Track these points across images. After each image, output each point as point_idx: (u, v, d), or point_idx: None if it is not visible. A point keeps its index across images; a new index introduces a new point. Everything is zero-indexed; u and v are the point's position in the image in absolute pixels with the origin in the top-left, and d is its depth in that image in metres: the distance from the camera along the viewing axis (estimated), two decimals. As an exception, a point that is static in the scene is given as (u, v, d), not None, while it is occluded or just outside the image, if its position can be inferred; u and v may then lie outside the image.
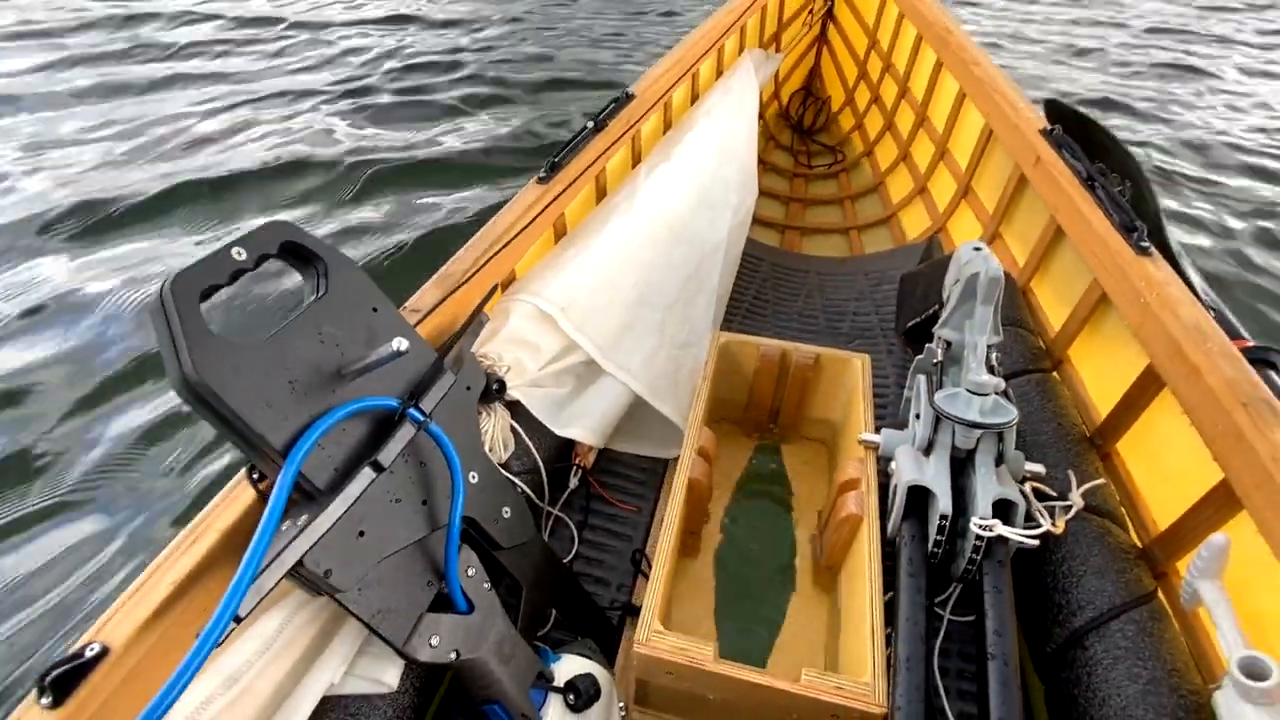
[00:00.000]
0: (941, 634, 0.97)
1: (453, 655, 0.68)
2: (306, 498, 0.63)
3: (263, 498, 0.70)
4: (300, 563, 0.57)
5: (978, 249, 1.00)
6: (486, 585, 0.73)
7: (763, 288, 1.86)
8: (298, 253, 0.69)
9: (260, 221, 0.66)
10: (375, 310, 0.73)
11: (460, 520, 0.69)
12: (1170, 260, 1.11)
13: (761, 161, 2.43)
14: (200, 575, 0.68)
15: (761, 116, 2.54)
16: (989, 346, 0.92)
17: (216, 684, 0.68)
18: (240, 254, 0.62)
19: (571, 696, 0.78)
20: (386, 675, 0.81)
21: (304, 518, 0.59)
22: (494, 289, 1.14)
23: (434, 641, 0.67)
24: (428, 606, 0.68)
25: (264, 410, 0.59)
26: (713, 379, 1.20)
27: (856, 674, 0.79)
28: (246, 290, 2.25)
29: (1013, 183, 1.59)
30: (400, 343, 0.63)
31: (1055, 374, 1.28)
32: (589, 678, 0.80)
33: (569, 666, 0.83)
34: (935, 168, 2.06)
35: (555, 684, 0.79)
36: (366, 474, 0.63)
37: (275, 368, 0.62)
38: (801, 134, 2.72)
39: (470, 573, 0.72)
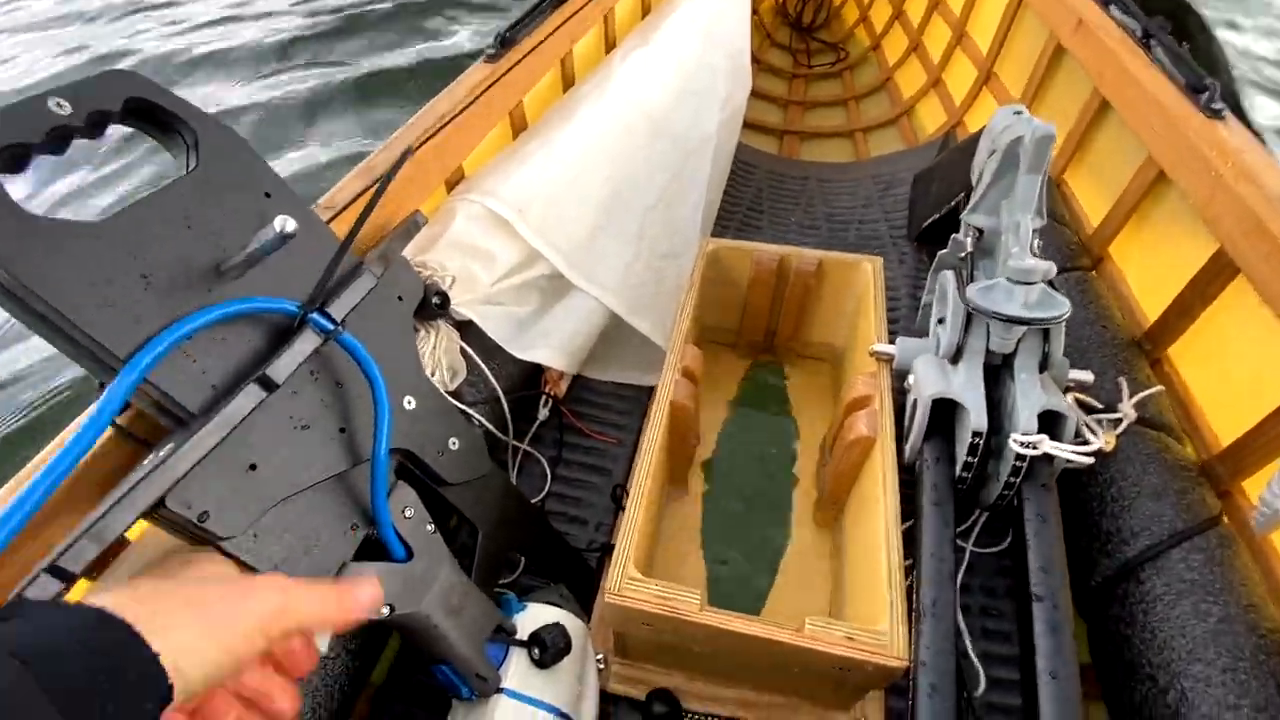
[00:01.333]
0: (963, 570, 0.85)
1: (385, 610, 0.55)
2: (180, 425, 0.48)
3: (125, 434, 0.55)
4: (161, 502, 0.42)
5: (1018, 112, 0.82)
6: (430, 528, 0.59)
7: (758, 197, 1.66)
8: (151, 115, 0.50)
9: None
10: (269, 196, 0.55)
11: (387, 451, 0.54)
12: (1247, 126, 0.92)
13: (756, 61, 2.17)
14: (44, 526, 0.53)
15: (756, 11, 2.27)
16: (1034, 231, 0.74)
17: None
18: (62, 107, 0.44)
19: (536, 651, 0.65)
20: (312, 638, 0.68)
21: (168, 447, 0.44)
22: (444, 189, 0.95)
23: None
24: (353, 555, 0.54)
25: (103, 311, 0.43)
26: (700, 288, 1.03)
27: (869, 621, 0.66)
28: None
29: (1045, 57, 1.37)
30: (285, 222, 0.46)
31: (1094, 273, 1.11)
32: (557, 629, 0.67)
33: (536, 616, 0.70)
34: (951, 54, 1.82)
35: (518, 637, 0.66)
36: (253, 392, 0.48)
37: (120, 258, 0.45)
38: (800, 31, 2.44)
39: (408, 513, 0.58)
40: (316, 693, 0.68)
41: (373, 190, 0.80)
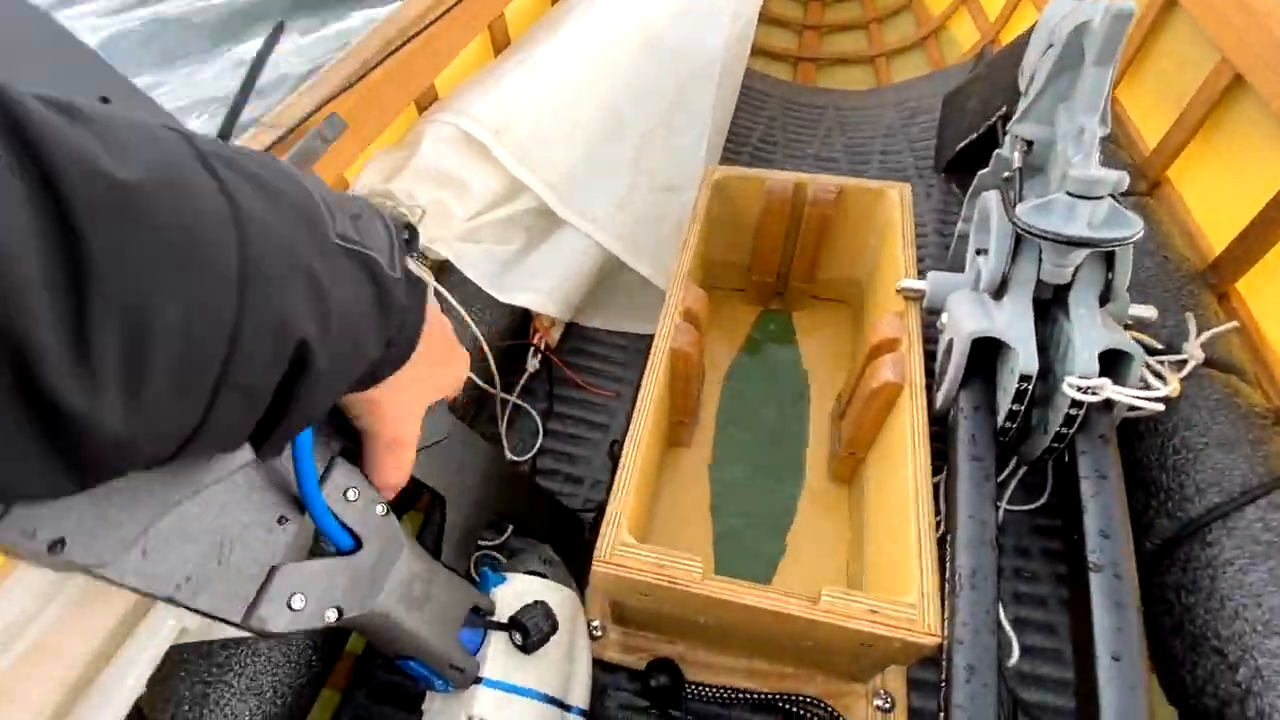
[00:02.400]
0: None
1: (332, 615, 0.43)
2: None
3: None
4: None
5: (1081, -2, 0.68)
6: (380, 509, 0.47)
7: (770, 128, 1.52)
8: None
9: None
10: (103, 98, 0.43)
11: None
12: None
13: (768, -19, 1.98)
14: None
15: (767, -75, 2.06)
16: (1100, 138, 0.62)
17: (-20, 646, 0.47)
18: None
19: (518, 636, 0.57)
20: (267, 613, 0.61)
21: None
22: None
23: (296, 602, 0.41)
24: (287, 553, 0.42)
25: None
26: (704, 221, 0.92)
27: (895, 591, 0.57)
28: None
29: None
30: None
31: (1151, 199, 0.98)
32: (539, 609, 0.58)
33: (518, 591, 0.62)
34: None
35: (496, 619, 0.59)
36: None
37: None
38: (816, -52, 2.23)
39: (351, 495, 0.46)
40: (278, 668, 0.61)
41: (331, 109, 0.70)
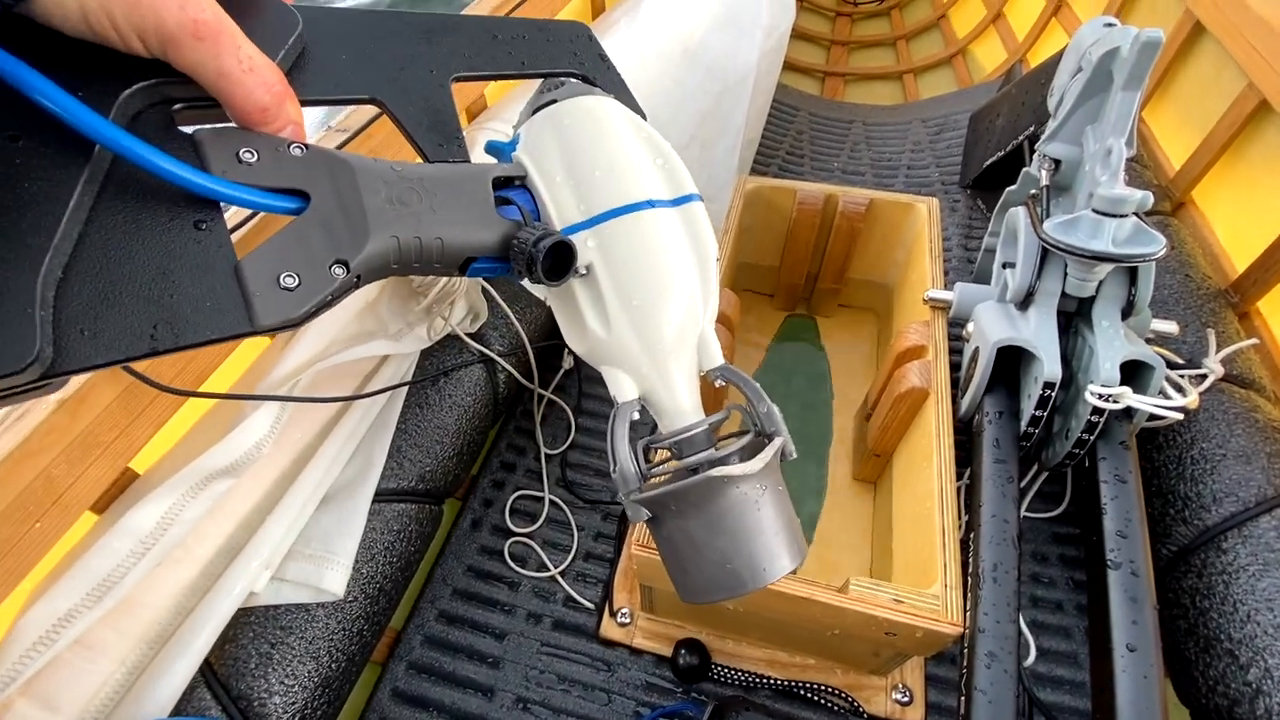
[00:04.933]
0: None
1: (339, 271, 0.31)
2: None
3: None
4: None
5: (1109, 24, 0.71)
6: (296, 150, 0.31)
7: (799, 141, 1.56)
8: None
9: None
10: None
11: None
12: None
13: (798, -2, 2.02)
14: None
15: (798, -59, 2.10)
16: (1125, 159, 0.65)
17: (79, 593, 0.52)
18: None
19: (541, 263, 0.34)
20: (327, 580, 0.66)
21: None
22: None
23: (287, 280, 0.30)
24: (232, 251, 0.31)
25: None
26: (737, 232, 0.95)
27: (918, 584, 0.60)
28: None
29: None
30: None
31: (1175, 219, 1.01)
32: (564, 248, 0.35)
33: (537, 132, 0.39)
34: None
35: (518, 179, 0.37)
36: None
37: None
38: (846, -35, 2.27)
39: (247, 156, 0.30)
40: (333, 635, 0.65)
41: None
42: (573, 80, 0.41)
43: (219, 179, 0.29)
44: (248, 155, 0.31)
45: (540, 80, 0.42)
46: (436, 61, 0.38)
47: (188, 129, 0.30)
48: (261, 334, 0.30)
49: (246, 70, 0.27)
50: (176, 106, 0.30)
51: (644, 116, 0.40)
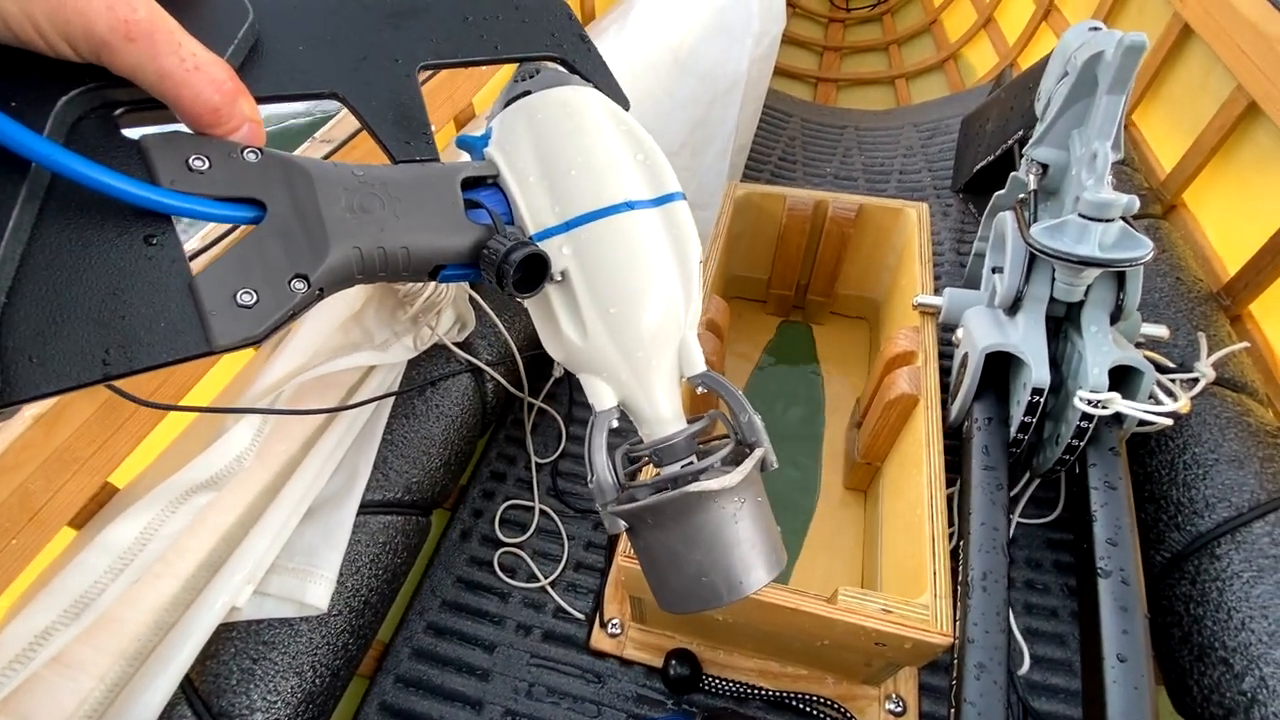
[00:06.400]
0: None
1: (300, 285, 0.29)
2: None
3: None
4: None
5: (1095, 29, 0.71)
6: (251, 155, 0.29)
7: (790, 146, 1.56)
8: None
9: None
10: None
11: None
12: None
13: (790, 4, 2.03)
14: None
15: (790, -52, 2.11)
16: (1111, 162, 0.65)
17: (57, 610, 0.51)
18: None
19: (511, 274, 0.32)
20: (311, 594, 0.65)
21: None
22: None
23: (244, 298, 0.29)
24: (186, 268, 0.29)
25: None
26: (727, 238, 0.95)
27: (908, 593, 0.60)
28: None
29: None
30: None
31: (1165, 222, 1.00)
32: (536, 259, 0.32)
33: (509, 129, 0.36)
34: None
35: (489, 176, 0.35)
36: None
37: None
38: (838, -29, 2.28)
39: (197, 163, 0.29)
40: (317, 650, 0.65)
41: None
42: (550, 67, 0.38)
43: (167, 190, 0.27)
44: (198, 163, 0.29)
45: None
46: (402, 49, 0.35)
47: (136, 132, 0.28)
48: (219, 353, 0.28)
49: (191, 69, 0.25)
50: (120, 111, 0.28)
51: (627, 105, 0.38)
